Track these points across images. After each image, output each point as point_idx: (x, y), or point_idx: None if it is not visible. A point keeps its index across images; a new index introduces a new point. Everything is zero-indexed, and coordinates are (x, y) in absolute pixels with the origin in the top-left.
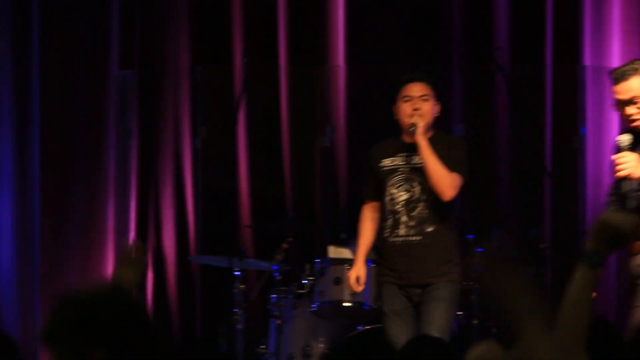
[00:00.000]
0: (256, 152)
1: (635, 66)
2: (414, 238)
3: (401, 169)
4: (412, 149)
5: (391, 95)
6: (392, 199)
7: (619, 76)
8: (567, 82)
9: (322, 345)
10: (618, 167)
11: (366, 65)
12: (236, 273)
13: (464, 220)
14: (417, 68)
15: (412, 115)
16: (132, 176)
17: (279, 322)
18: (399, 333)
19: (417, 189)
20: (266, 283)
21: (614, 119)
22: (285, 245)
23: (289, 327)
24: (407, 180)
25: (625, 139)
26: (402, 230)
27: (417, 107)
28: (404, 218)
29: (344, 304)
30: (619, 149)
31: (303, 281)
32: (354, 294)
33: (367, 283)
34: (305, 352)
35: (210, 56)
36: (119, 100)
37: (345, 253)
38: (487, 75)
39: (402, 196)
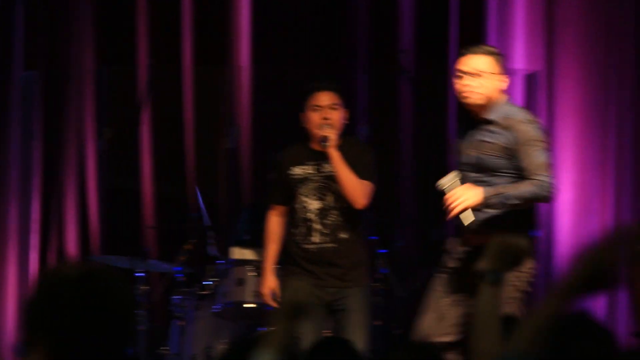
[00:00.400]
0: (160, 153)
1: (489, 49)
2: (328, 245)
3: (313, 178)
4: (323, 157)
5: (296, 96)
6: (305, 207)
7: (467, 51)
8: None
9: (224, 347)
10: (452, 207)
11: (271, 66)
12: (139, 274)
13: (368, 221)
14: (323, 75)
15: (321, 125)
16: (35, 177)
17: (181, 323)
18: (305, 329)
19: (329, 197)
20: (169, 284)
21: None
22: (188, 247)
23: (191, 329)
24: (320, 188)
25: (446, 181)
26: (316, 238)
27: (327, 116)
28: (317, 226)
29: (246, 305)
30: (444, 192)
31: (205, 282)
32: (256, 295)
33: None
34: (207, 353)
35: (115, 57)
36: (23, 101)
37: (247, 254)
38: (392, 77)
39: (315, 204)
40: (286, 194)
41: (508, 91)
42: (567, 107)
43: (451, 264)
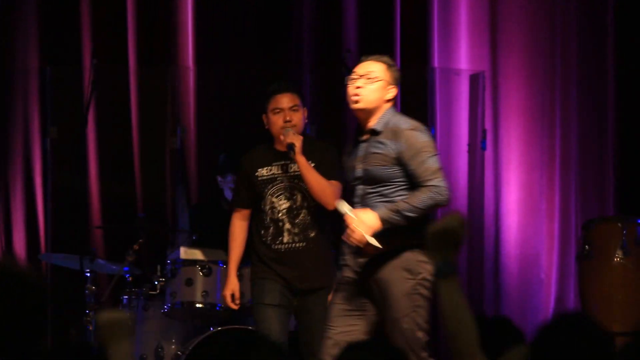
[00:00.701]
0: (106, 153)
1: (387, 59)
2: (299, 244)
3: (279, 178)
4: (288, 157)
5: (240, 97)
6: (273, 208)
7: (366, 57)
8: (416, 83)
9: (174, 347)
10: (353, 242)
11: (216, 66)
12: (87, 274)
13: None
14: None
15: (285, 132)
16: None
17: (130, 323)
18: (277, 328)
19: (298, 197)
20: (117, 284)
21: (462, 120)
22: (136, 247)
23: (140, 329)
24: (287, 188)
25: (345, 207)
26: (286, 238)
27: (288, 118)
28: (287, 225)
29: (196, 305)
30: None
31: (154, 282)
32: (205, 295)
33: (218, 284)
34: (157, 353)
35: (60, 56)
36: None
37: (196, 254)
38: (337, 77)
39: (284, 204)
40: (250, 197)
41: (452, 91)
42: (512, 107)
43: (349, 274)
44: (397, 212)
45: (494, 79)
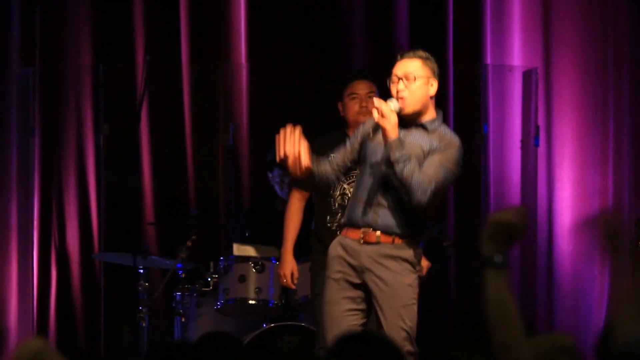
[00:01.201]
0: (159, 150)
1: (420, 53)
2: None
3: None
4: None
5: (292, 94)
6: (344, 194)
7: (402, 55)
8: (468, 80)
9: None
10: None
11: (268, 64)
12: (140, 271)
13: None
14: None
15: (359, 113)
16: (34, 174)
17: (183, 320)
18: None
19: None
20: (170, 281)
21: (515, 117)
22: (189, 243)
23: (193, 325)
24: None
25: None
26: None
27: (365, 104)
28: None
29: (249, 302)
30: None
31: (207, 279)
32: (258, 291)
33: (271, 281)
34: None
35: (113, 54)
36: (20, 98)
37: (249, 251)
38: (390, 73)
39: None
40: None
41: (505, 88)
42: (565, 103)
43: (342, 268)
44: (403, 154)
45: (547, 76)
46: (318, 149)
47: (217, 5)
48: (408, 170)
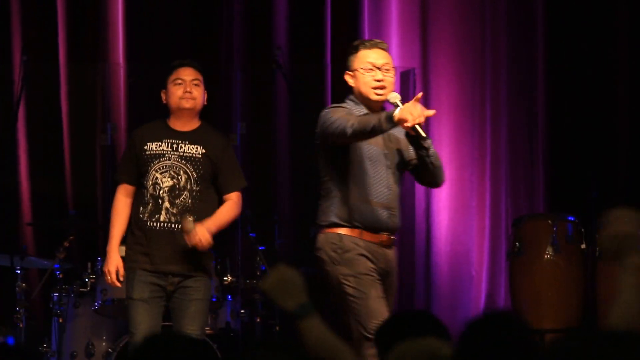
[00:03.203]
0: (36, 150)
1: (385, 43)
2: (174, 226)
3: (167, 155)
4: (180, 136)
5: None
6: (156, 184)
7: (371, 44)
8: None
9: (104, 344)
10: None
11: (146, 63)
12: (17, 271)
13: (246, 218)
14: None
15: (182, 98)
16: None
17: (61, 320)
18: (143, 323)
19: (182, 178)
20: (48, 281)
21: None
22: (66, 243)
23: (71, 326)
24: (173, 167)
25: (396, 94)
26: (162, 216)
27: (189, 89)
28: (166, 204)
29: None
30: (396, 105)
31: (85, 279)
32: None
33: None
34: (87, 350)
35: None
36: None
37: None
38: (268, 74)
39: (167, 182)
40: (135, 173)
41: None
42: (443, 103)
43: (374, 265)
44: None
45: (425, 76)
46: (142, 137)
47: (94, 4)
48: (435, 152)
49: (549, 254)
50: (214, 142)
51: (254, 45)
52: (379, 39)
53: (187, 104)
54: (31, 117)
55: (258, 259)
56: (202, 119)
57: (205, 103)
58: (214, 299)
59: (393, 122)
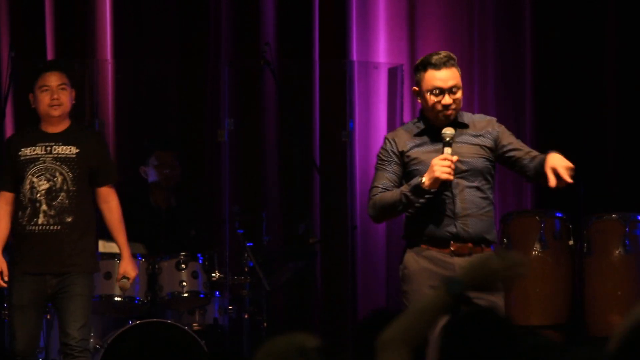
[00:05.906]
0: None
1: (453, 56)
2: (53, 227)
3: (42, 158)
4: (53, 138)
5: (159, 90)
6: (33, 188)
7: (439, 63)
8: (334, 77)
9: (92, 340)
10: (445, 169)
11: (134, 60)
12: None
13: (234, 214)
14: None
15: (51, 105)
16: None
17: (48, 316)
18: (19, 330)
19: (58, 179)
20: None
21: (380, 114)
22: None
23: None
24: (49, 169)
25: (450, 132)
26: (41, 219)
27: (56, 97)
28: (44, 207)
29: (114, 299)
30: (445, 143)
31: None
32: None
33: (137, 278)
34: None
35: None
36: None
37: (114, 247)
38: (256, 70)
39: (43, 185)
40: (15, 180)
41: (371, 85)
42: None
43: (430, 281)
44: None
45: (412, 73)
46: (16, 144)
47: (82, 0)
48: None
49: (536, 250)
50: (87, 140)
51: (242, 41)
52: (367, 35)
53: (55, 112)
54: (20, 114)
55: (246, 255)
56: (71, 117)
57: (74, 102)
58: (201, 295)
59: (423, 190)
